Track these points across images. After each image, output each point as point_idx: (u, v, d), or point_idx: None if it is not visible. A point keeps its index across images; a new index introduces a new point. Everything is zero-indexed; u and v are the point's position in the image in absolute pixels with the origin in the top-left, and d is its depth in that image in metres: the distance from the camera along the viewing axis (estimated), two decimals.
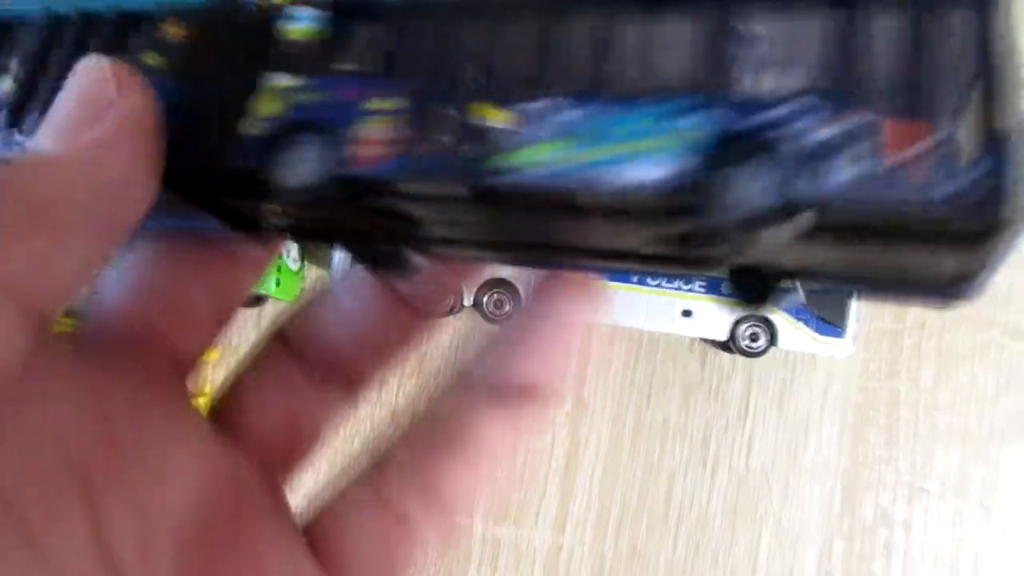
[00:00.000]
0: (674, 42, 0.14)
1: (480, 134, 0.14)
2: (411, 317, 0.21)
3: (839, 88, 0.13)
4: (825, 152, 0.13)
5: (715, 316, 0.54)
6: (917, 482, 0.58)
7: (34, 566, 0.14)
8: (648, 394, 0.59)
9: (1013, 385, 0.58)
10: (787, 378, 0.58)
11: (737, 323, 0.54)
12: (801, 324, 0.54)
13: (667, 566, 0.58)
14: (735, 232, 0.13)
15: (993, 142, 0.12)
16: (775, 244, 0.13)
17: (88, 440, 0.16)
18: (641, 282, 0.54)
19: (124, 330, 0.19)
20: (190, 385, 0.20)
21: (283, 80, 0.17)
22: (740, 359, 0.57)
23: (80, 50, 0.19)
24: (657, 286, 0.54)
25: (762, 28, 0.14)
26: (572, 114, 0.14)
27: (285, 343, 0.21)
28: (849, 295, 0.52)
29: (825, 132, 0.13)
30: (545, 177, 0.14)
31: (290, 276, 0.55)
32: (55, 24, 0.19)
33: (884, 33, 0.13)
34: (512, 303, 0.55)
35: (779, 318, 0.54)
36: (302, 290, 0.57)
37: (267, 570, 0.18)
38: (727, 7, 0.14)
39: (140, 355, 0.18)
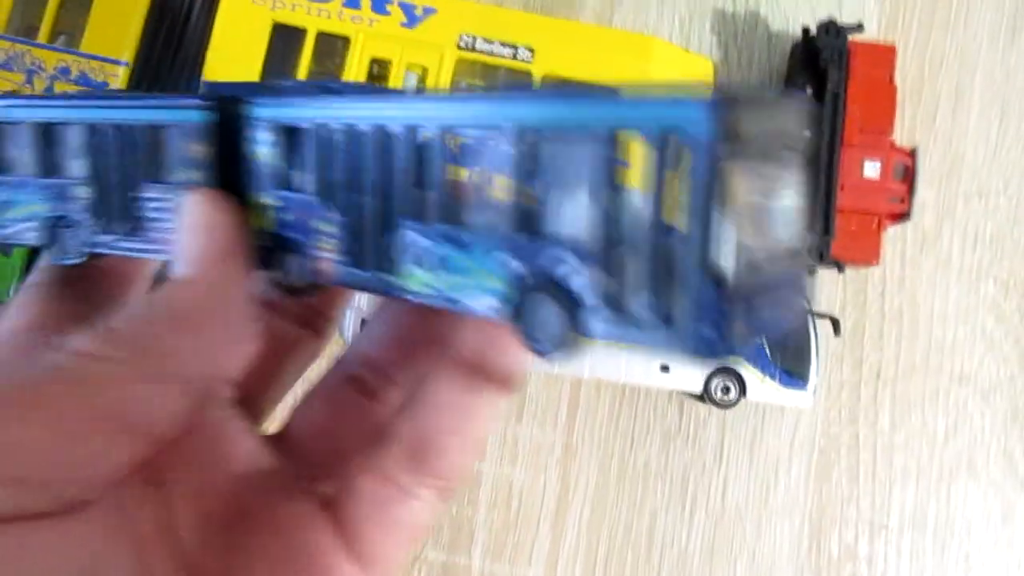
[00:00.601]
0: (492, 188, 0.19)
1: (382, 255, 0.21)
2: (429, 322, 0.25)
3: (597, 246, 0.17)
4: (585, 295, 0.17)
5: (690, 371, 0.59)
6: (878, 519, 0.63)
7: (115, 533, 0.20)
8: (631, 440, 0.64)
9: (959, 427, 0.64)
10: (757, 425, 0.63)
11: (710, 377, 0.59)
12: (767, 377, 0.59)
13: None
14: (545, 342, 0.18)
15: (699, 301, 0.16)
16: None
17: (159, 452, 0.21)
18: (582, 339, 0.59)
19: None
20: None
21: (264, 198, 0.23)
22: (715, 408, 0.63)
23: (123, 158, 0.24)
24: (598, 340, 0.59)
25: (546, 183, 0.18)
26: (428, 246, 0.20)
27: (342, 369, 0.26)
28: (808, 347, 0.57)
29: (584, 279, 0.17)
30: (422, 297, 0.21)
31: None
32: (93, 135, 0.24)
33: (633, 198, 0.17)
34: None
35: (748, 372, 0.59)
36: None
37: (291, 540, 0.23)
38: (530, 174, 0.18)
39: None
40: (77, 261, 0.25)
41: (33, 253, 0.57)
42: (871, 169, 0.58)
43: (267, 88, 0.23)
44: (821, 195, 0.56)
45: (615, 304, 0.17)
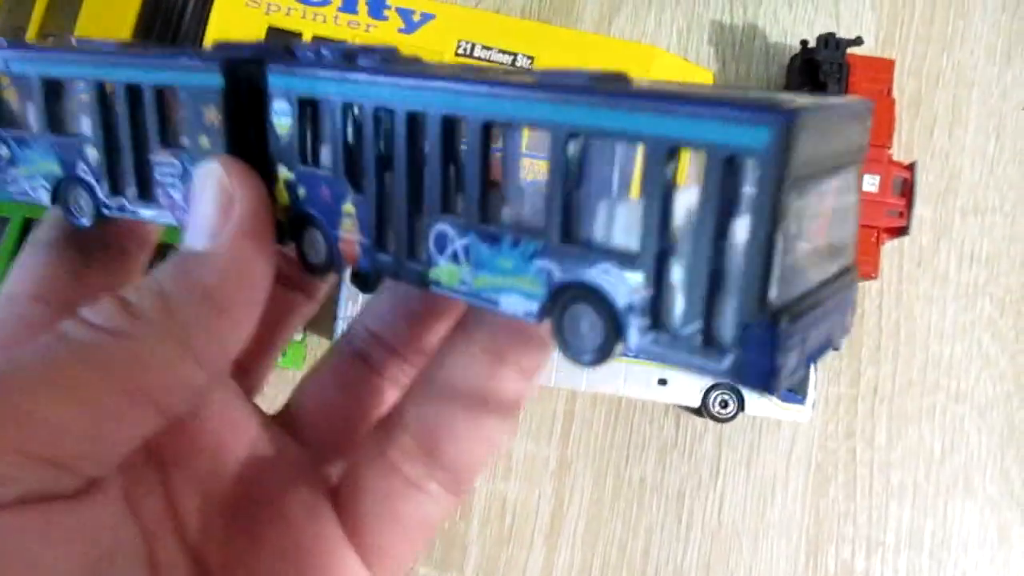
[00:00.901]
0: (532, 187, 0.18)
1: (411, 245, 0.20)
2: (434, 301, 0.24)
3: (641, 258, 0.16)
4: (628, 310, 0.16)
5: (688, 384, 0.59)
6: (874, 535, 0.63)
7: (125, 518, 0.19)
8: (627, 454, 0.63)
9: (956, 444, 0.63)
10: (754, 440, 0.63)
11: (708, 391, 0.59)
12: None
13: None
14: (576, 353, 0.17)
15: (744, 330, 0.15)
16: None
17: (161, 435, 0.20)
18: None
19: None
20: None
21: (283, 171, 0.21)
22: (712, 422, 0.62)
23: (134, 121, 0.22)
24: (635, 356, 0.58)
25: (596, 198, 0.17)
26: (462, 241, 0.19)
27: (348, 344, 0.25)
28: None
29: (628, 293, 0.16)
30: (451, 292, 0.19)
31: (295, 346, 0.59)
32: (102, 93, 0.23)
33: (684, 211, 0.16)
34: None
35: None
36: (304, 358, 0.61)
37: (296, 529, 0.22)
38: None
39: None
40: (87, 224, 0.24)
41: (14, 251, 0.56)
42: (870, 183, 0.57)
43: (288, 52, 0.21)
44: None
45: (659, 322, 0.16)
